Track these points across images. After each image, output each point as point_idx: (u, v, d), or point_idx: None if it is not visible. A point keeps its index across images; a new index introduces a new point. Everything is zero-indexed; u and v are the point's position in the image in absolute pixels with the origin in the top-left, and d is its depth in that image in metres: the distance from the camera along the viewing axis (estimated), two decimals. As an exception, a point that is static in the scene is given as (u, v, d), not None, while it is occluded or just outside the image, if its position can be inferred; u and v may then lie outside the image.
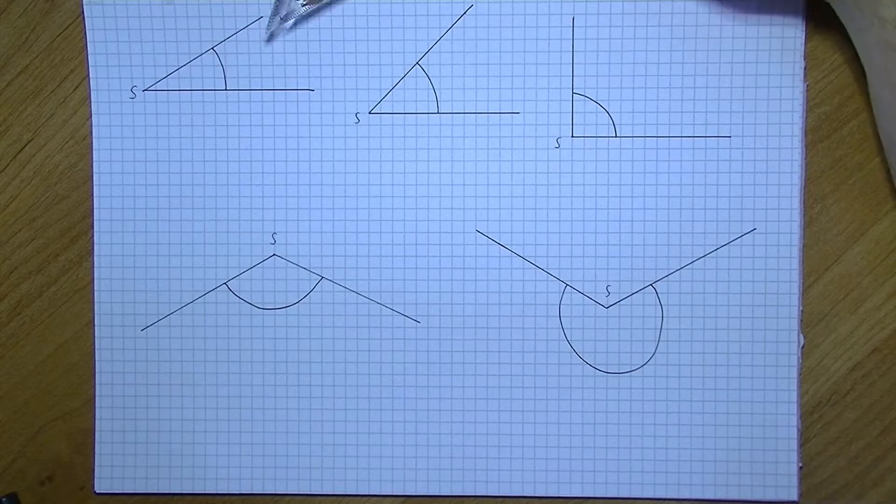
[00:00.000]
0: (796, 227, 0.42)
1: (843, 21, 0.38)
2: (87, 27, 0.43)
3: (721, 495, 0.42)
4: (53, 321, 0.44)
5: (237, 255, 0.43)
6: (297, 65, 0.42)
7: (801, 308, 0.42)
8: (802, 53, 0.41)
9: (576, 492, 0.42)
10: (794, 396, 0.42)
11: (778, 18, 0.41)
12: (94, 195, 0.43)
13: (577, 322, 0.42)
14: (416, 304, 0.43)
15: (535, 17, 0.42)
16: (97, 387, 0.43)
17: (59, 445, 0.44)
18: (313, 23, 0.42)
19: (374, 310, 0.43)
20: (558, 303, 0.42)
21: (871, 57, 0.37)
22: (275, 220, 0.43)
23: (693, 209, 0.42)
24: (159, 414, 0.43)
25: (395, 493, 0.43)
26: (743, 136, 0.42)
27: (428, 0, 0.42)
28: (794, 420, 0.42)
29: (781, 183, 0.42)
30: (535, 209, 0.42)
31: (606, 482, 0.42)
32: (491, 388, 0.43)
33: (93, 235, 0.43)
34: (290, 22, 0.41)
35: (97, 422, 0.43)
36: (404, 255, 0.43)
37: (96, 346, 0.43)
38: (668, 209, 0.42)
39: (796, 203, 0.42)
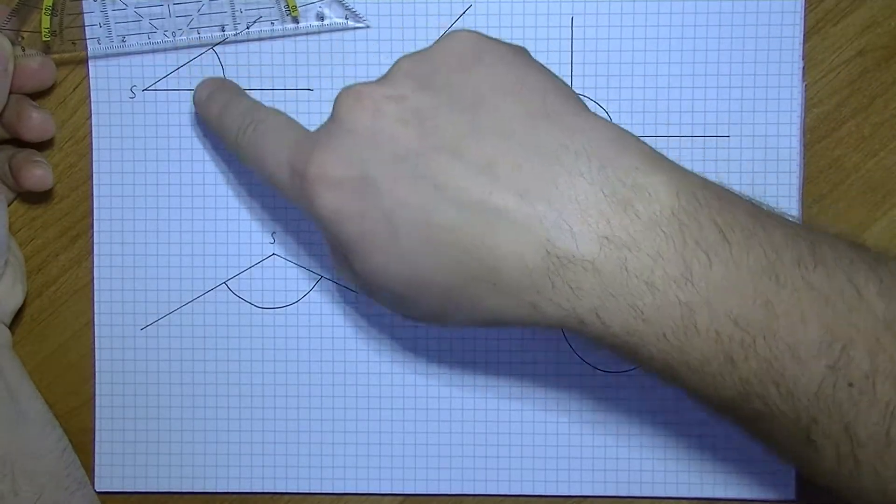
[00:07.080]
0: (794, 227, 0.42)
1: None
2: (86, 25, 0.43)
3: (719, 494, 0.42)
4: (53, 321, 0.44)
5: (237, 255, 0.43)
6: (296, 65, 0.42)
7: (799, 307, 0.42)
8: (801, 53, 0.41)
9: (574, 490, 0.43)
10: (792, 395, 0.42)
11: (776, 18, 0.41)
12: (94, 195, 0.43)
13: (576, 321, 0.42)
14: (416, 303, 0.43)
15: (535, 17, 0.42)
16: (97, 386, 0.43)
17: (58, 444, 0.44)
18: (313, 22, 0.42)
19: (374, 309, 0.43)
20: (557, 302, 0.42)
21: None
22: (274, 220, 0.43)
23: (692, 209, 0.42)
24: (159, 413, 0.43)
25: (394, 492, 0.43)
26: (741, 136, 0.42)
27: (427, 0, 0.42)
28: (792, 419, 0.42)
29: (780, 183, 0.42)
30: (535, 209, 0.42)
31: (605, 481, 0.42)
32: (490, 387, 0.43)
33: (92, 235, 0.43)
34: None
35: (97, 421, 0.43)
36: (404, 255, 0.43)
37: (96, 346, 0.43)
38: (667, 209, 0.42)
39: (794, 203, 0.42)
